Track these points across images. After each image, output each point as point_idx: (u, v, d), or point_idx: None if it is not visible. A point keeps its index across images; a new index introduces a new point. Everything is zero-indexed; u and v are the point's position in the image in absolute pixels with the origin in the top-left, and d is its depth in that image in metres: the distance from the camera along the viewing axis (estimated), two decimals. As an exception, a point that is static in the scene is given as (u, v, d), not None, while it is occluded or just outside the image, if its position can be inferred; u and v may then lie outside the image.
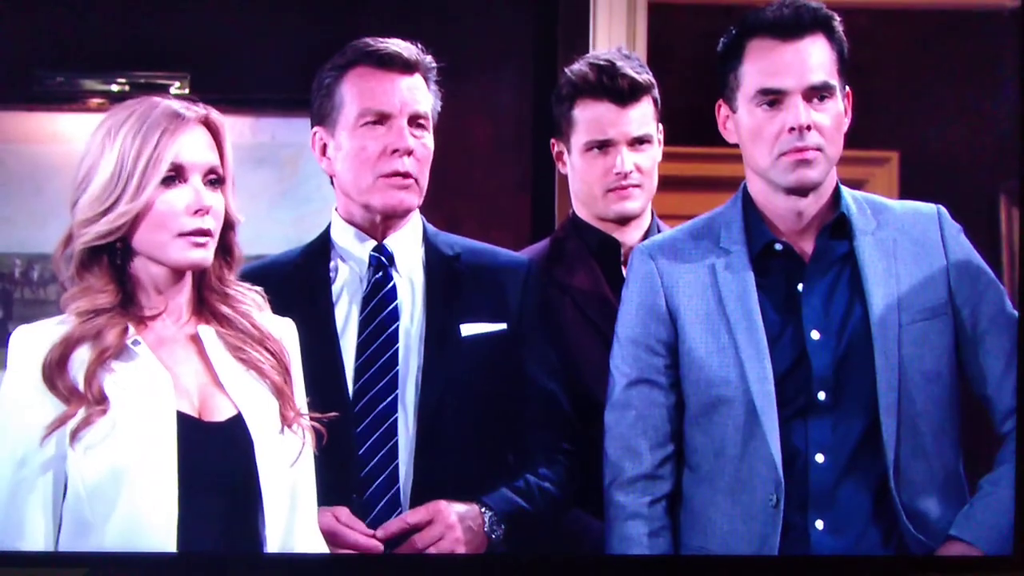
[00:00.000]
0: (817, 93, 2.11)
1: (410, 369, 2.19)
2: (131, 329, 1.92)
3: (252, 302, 2.01)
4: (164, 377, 1.91)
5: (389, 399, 2.17)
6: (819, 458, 2.11)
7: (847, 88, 2.15)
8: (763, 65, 2.12)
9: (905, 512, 2.11)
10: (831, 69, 2.12)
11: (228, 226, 1.97)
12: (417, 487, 2.15)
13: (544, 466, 2.22)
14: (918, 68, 2.74)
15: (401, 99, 2.20)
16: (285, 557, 1.94)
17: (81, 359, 1.88)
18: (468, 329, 2.21)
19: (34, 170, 2.70)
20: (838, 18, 2.14)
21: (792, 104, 2.11)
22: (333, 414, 2.05)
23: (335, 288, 2.23)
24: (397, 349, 2.19)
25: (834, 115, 2.12)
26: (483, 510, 2.15)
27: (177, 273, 1.95)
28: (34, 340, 1.89)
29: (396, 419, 2.16)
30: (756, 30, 2.13)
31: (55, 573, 1.94)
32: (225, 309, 1.98)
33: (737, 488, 2.13)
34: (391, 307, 2.21)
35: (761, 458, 2.11)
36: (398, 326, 2.20)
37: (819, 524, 2.11)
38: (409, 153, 2.19)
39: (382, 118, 2.20)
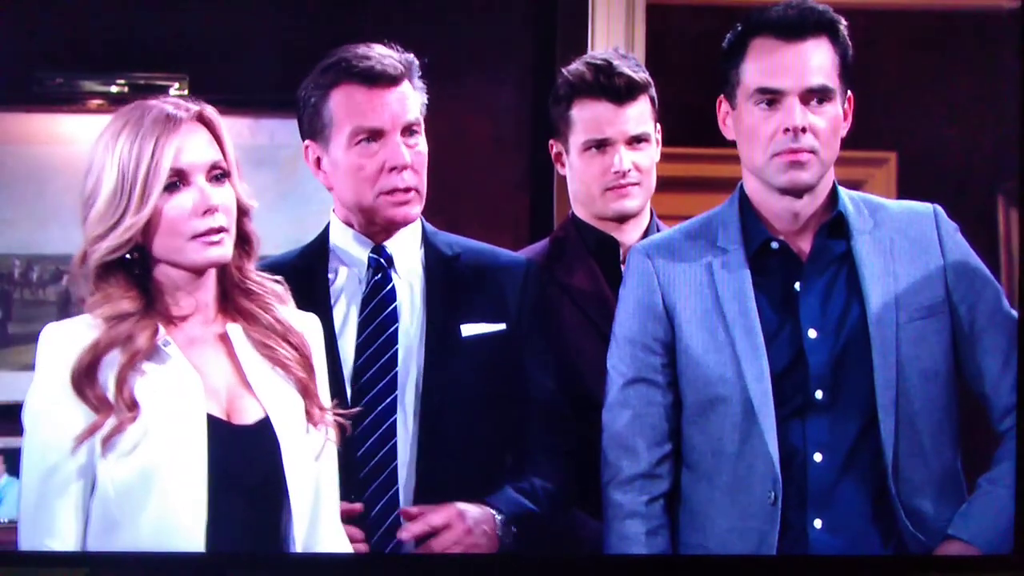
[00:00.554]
0: (815, 96, 2.11)
1: (410, 370, 2.18)
2: (161, 330, 1.92)
3: (272, 293, 2.01)
4: (194, 379, 1.91)
5: (388, 400, 2.17)
6: (817, 457, 2.11)
7: (848, 93, 2.15)
8: (763, 64, 2.12)
9: (904, 511, 2.11)
10: (831, 73, 2.12)
11: (242, 213, 1.97)
12: (417, 488, 2.16)
13: (544, 466, 2.22)
14: (916, 69, 2.75)
15: (391, 113, 2.19)
16: (288, 558, 1.95)
17: (111, 362, 1.88)
18: (468, 330, 2.21)
19: (34, 171, 2.70)
20: (844, 22, 2.14)
21: (789, 105, 2.11)
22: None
23: (334, 290, 2.23)
24: (396, 350, 2.19)
25: (831, 118, 2.12)
26: (494, 513, 2.15)
27: (198, 273, 1.95)
28: (63, 341, 1.89)
29: (395, 420, 2.16)
30: (760, 29, 2.13)
31: (57, 572, 1.95)
32: (248, 304, 1.98)
33: (735, 486, 2.13)
34: (390, 308, 2.21)
35: (759, 456, 2.11)
36: (397, 327, 2.20)
37: (817, 523, 2.12)
38: (407, 167, 2.19)
39: (375, 135, 2.19)
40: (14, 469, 2.61)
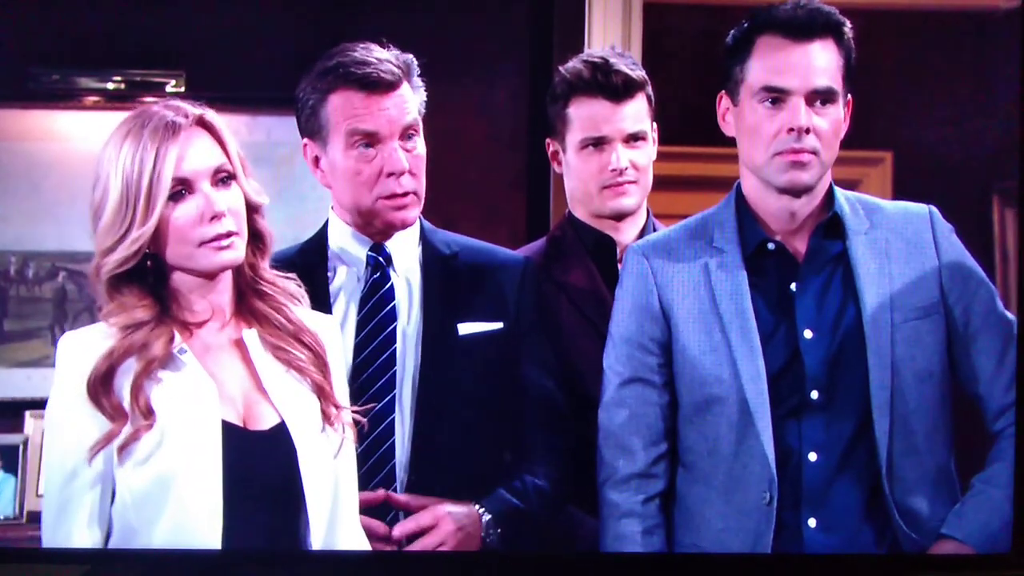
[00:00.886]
0: (820, 97, 2.11)
1: (407, 369, 2.19)
2: (177, 337, 1.92)
3: (285, 292, 2.01)
4: (209, 386, 1.91)
5: (387, 399, 2.17)
6: (812, 457, 2.12)
7: (848, 96, 2.15)
8: (770, 63, 2.12)
9: (898, 510, 2.11)
10: (836, 75, 2.12)
11: (252, 211, 1.96)
12: (415, 486, 2.16)
13: (540, 464, 2.23)
14: (913, 68, 2.75)
15: (388, 118, 2.18)
16: (288, 556, 1.95)
17: (127, 370, 1.88)
18: (465, 328, 2.22)
19: (29, 168, 2.70)
20: (849, 24, 2.14)
21: (794, 105, 2.11)
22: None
23: (332, 288, 2.23)
24: (395, 349, 2.19)
25: (833, 120, 2.12)
26: (481, 512, 2.16)
27: (211, 277, 1.95)
28: (79, 350, 1.89)
29: (393, 419, 2.17)
30: (767, 27, 2.13)
31: (56, 570, 1.95)
32: (262, 306, 1.98)
33: (731, 486, 2.13)
34: (389, 307, 2.21)
35: (754, 456, 2.11)
36: (396, 326, 2.20)
37: (812, 522, 2.12)
38: (404, 172, 2.19)
39: (372, 140, 2.19)
40: (10, 466, 2.61)
